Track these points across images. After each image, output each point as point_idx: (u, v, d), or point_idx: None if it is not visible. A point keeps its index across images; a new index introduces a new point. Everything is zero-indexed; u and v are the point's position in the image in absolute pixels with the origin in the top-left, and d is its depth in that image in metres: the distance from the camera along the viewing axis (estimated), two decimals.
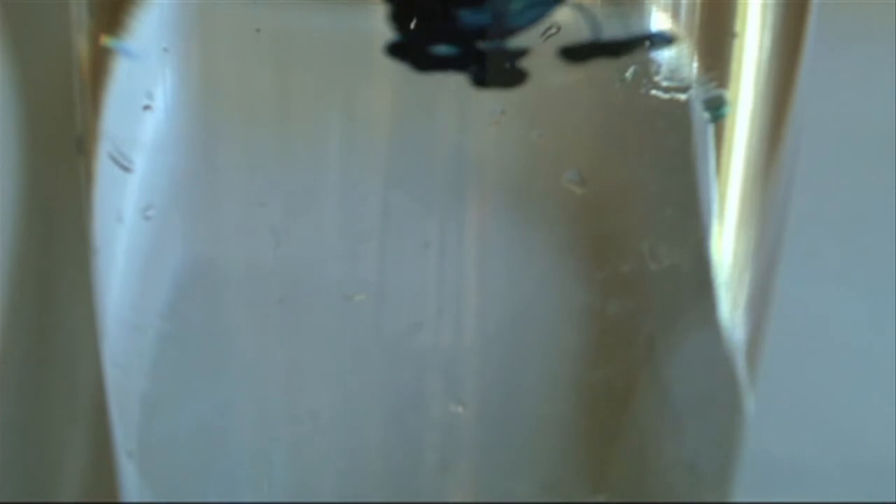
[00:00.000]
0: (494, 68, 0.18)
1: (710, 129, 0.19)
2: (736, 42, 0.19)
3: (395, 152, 0.18)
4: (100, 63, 0.20)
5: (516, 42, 0.18)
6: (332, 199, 0.19)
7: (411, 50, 0.18)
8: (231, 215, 0.19)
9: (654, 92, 0.18)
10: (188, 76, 0.19)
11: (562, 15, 0.18)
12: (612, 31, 0.18)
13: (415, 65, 0.18)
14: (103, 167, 0.20)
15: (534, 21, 0.18)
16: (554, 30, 0.18)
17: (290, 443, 0.21)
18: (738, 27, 0.19)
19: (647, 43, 0.18)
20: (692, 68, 0.19)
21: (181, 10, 0.18)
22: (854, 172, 0.28)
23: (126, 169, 0.20)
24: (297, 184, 0.19)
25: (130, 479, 0.22)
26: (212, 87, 0.19)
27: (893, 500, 0.29)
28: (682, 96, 0.19)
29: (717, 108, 0.19)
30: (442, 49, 0.18)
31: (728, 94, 0.19)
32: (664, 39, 0.18)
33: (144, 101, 0.19)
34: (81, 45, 0.20)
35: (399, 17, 0.18)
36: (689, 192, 0.20)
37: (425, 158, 0.18)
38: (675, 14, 0.18)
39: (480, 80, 0.18)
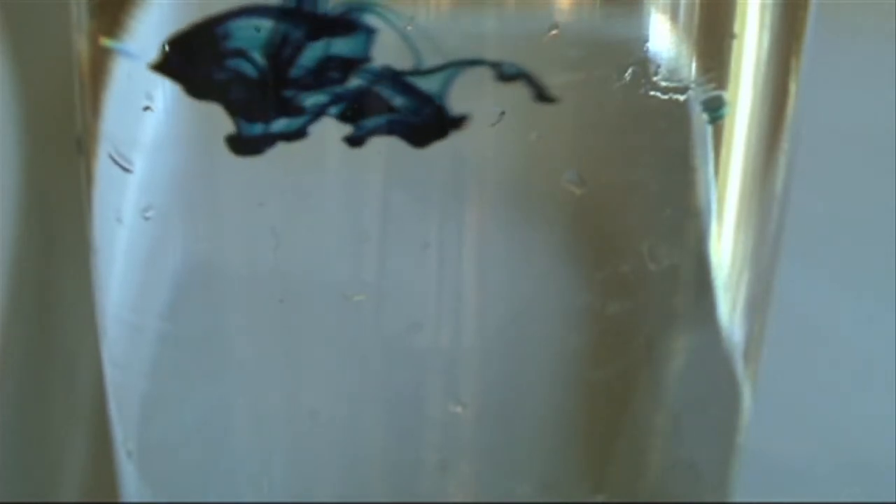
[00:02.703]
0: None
1: (709, 129, 0.19)
2: (735, 43, 0.19)
3: (395, 152, 0.18)
4: (100, 63, 0.20)
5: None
6: (332, 199, 0.19)
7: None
8: (231, 215, 0.19)
9: (653, 93, 0.18)
10: None
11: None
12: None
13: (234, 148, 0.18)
14: (103, 167, 0.20)
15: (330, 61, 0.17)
16: (555, 30, 0.18)
17: (290, 443, 0.21)
18: (737, 28, 0.19)
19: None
20: (691, 69, 0.19)
21: (181, 10, 0.18)
22: (853, 173, 0.28)
23: (126, 169, 0.20)
24: (297, 184, 0.19)
25: (130, 479, 0.22)
26: None
27: (893, 500, 0.29)
28: (681, 97, 0.19)
29: (715, 109, 0.19)
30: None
31: (727, 95, 0.19)
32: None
33: (144, 102, 0.19)
34: (81, 45, 0.20)
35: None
36: (688, 193, 0.20)
37: (425, 158, 0.18)
38: (675, 15, 0.18)
39: (355, 141, 0.18)
